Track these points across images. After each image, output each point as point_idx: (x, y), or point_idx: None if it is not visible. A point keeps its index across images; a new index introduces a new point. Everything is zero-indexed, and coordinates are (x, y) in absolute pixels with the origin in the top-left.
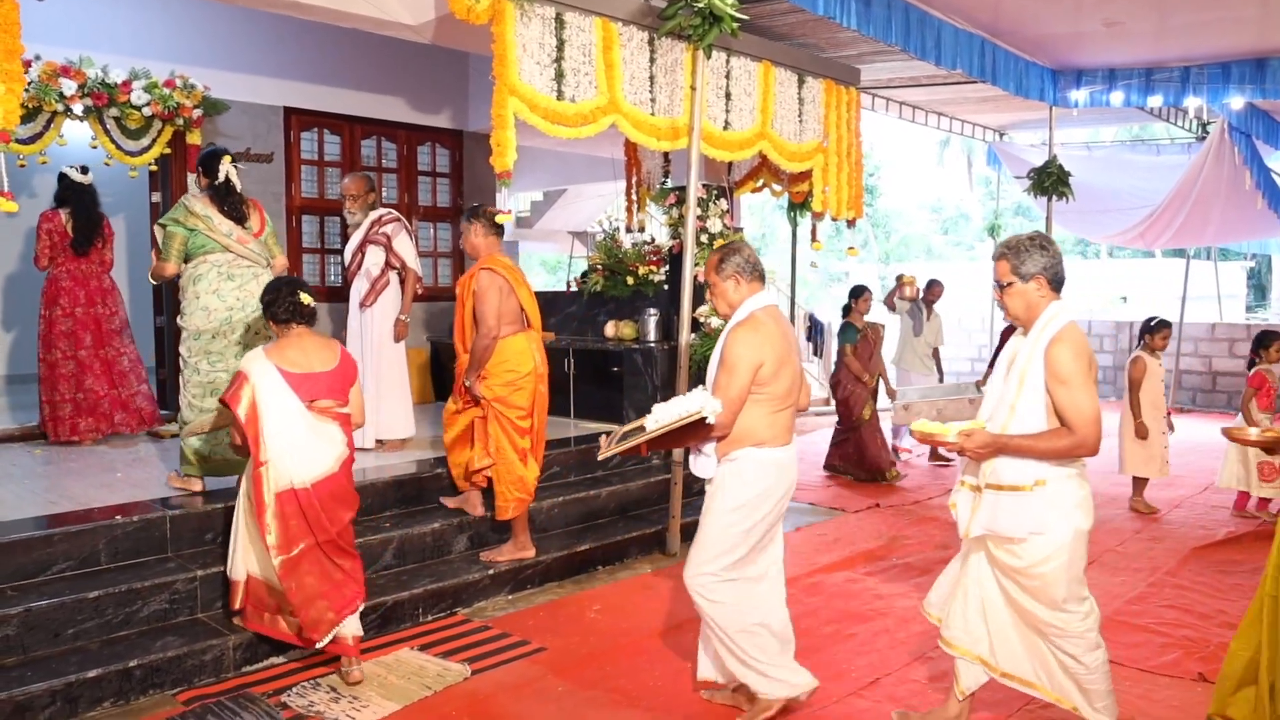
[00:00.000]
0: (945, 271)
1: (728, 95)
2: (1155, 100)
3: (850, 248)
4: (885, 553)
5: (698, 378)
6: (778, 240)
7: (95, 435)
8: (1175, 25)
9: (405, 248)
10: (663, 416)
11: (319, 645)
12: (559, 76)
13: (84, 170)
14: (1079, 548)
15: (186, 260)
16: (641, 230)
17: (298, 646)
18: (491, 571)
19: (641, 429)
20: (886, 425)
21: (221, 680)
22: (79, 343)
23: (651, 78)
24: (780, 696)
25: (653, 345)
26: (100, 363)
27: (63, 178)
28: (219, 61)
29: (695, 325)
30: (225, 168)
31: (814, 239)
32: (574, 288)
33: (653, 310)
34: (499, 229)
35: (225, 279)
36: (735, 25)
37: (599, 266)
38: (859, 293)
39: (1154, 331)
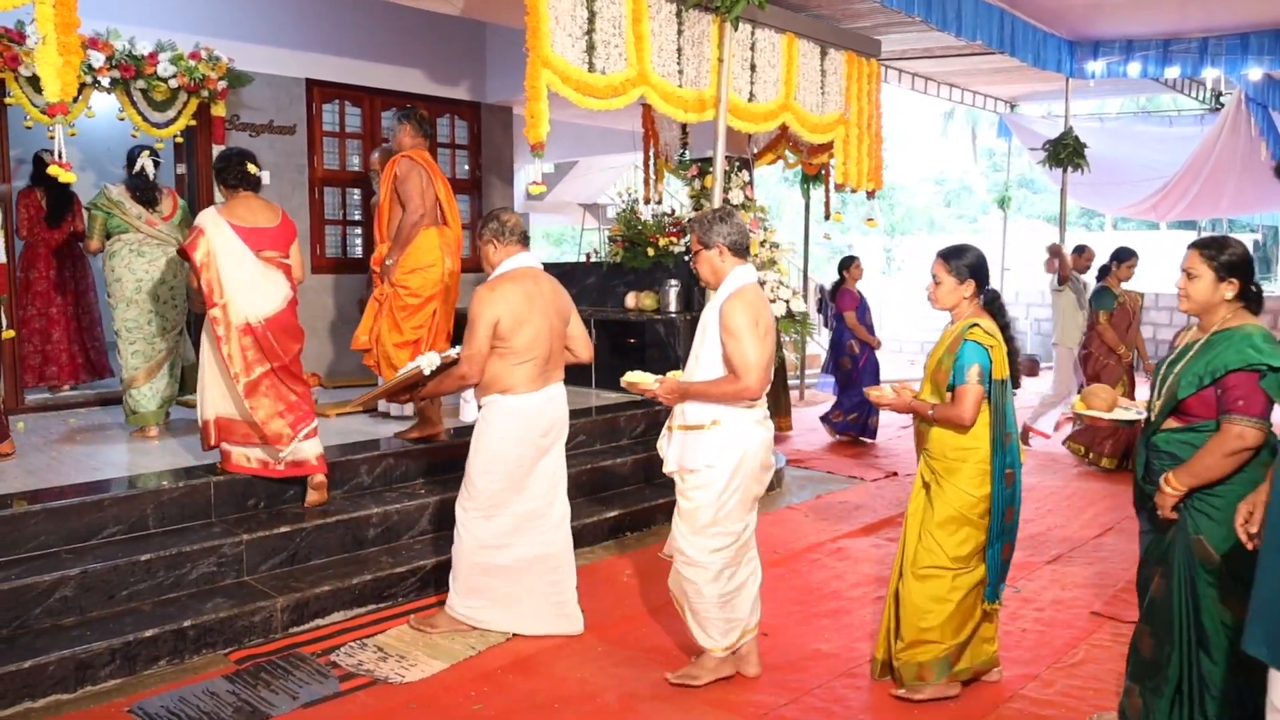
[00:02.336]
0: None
1: (753, 67)
2: (1173, 71)
3: (869, 219)
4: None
5: None
6: (784, 213)
7: (58, 382)
8: None
9: None
10: (399, 373)
11: (283, 455)
12: (590, 49)
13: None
14: (738, 482)
15: (109, 238)
16: (659, 202)
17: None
18: None
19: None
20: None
21: (270, 641)
22: (51, 301)
23: (679, 50)
24: (458, 617)
25: (674, 315)
26: (66, 319)
27: (38, 160)
28: (243, 34)
29: None
30: (141, 161)
31: (827, 211)
32: (593, 259)
33: (673, 281)
34: (427, 132)
35: (136, 255)
36: None
37: (618, 238)
38: (1124, 256)
39: None
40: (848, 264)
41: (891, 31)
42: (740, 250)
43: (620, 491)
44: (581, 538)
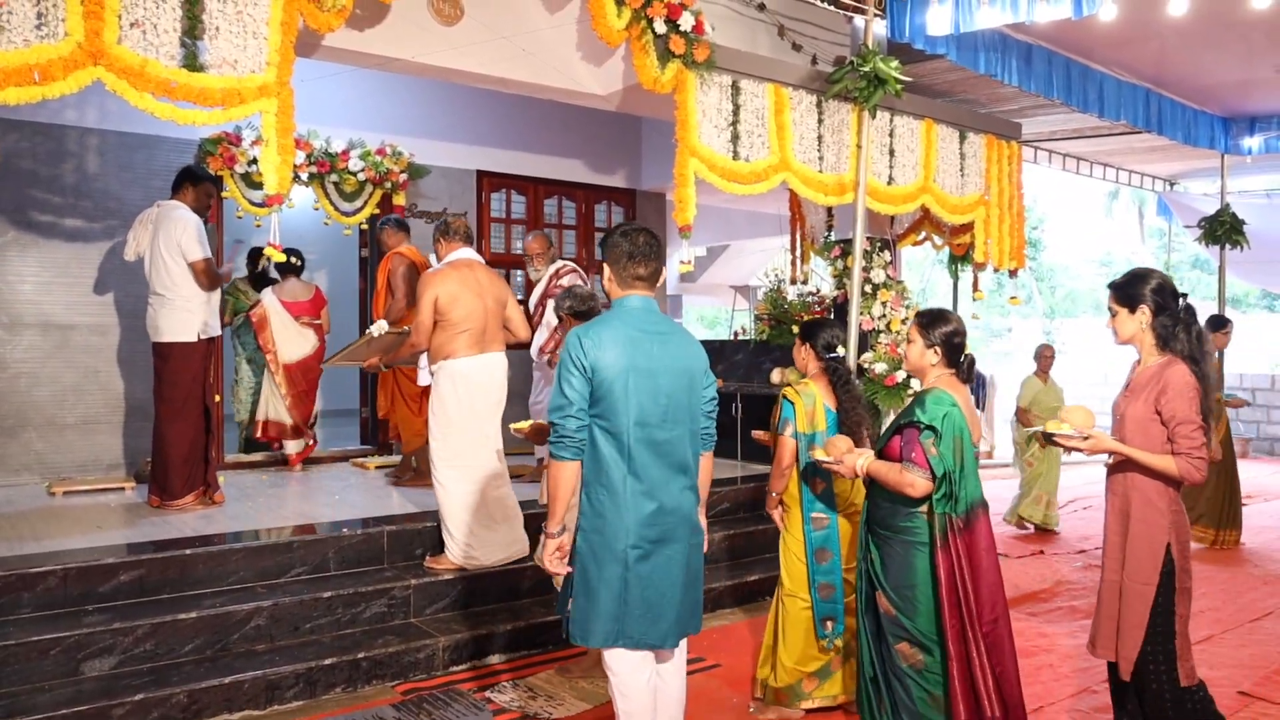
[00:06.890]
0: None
1: (891, 152)
2: None
3: (1012, 297)
4: (1050, 595)
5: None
6: (937, 294)
7: None
8: None
9: None
10: (354, 340)
11: (298, 442)
12: (735, 138)
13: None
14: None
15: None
16: (805, 282)
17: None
18: None
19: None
20: None
21: (432, 677)
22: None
23: (820, 137)
24: (457, 561)
25: None
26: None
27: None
28: (421, 130)
29: (860, 371)
30: (262, 263)
31: (975, 289)
32: (740, 337)
33: None
34: (407, 231)
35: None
36: (899, 87)
37: (765, 317)
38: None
39: None
40: None
41: (1036, 114)
42: (582, 314)
43: (761, 558)
44: (721, 601)
